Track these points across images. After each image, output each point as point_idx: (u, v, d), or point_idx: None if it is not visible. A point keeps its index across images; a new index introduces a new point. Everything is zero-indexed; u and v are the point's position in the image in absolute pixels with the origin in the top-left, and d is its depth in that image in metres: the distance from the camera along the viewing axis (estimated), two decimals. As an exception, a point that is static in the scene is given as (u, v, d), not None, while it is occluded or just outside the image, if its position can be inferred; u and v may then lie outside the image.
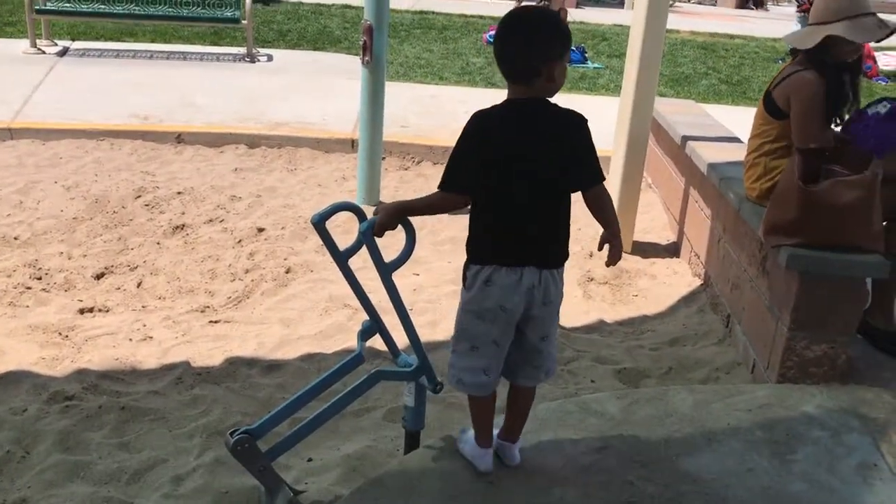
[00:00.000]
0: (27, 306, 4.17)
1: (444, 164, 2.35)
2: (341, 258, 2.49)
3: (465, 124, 2.31)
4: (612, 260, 2.48)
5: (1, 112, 7.33)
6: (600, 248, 2.50)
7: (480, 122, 2.30)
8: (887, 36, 3.49)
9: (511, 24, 2.32)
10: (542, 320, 2.41)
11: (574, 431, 2.90)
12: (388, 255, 2.49)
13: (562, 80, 2.32)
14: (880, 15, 3.57)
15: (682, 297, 4.61)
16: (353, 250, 2.49)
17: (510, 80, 2.32)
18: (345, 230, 4.74)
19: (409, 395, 2.68)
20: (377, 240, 2.43)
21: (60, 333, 3.89)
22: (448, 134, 7.17)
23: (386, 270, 2.48)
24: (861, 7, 3.49)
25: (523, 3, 12.52)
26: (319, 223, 2.41)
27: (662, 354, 3.95)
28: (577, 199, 4.90)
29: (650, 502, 2.55)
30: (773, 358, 3.45)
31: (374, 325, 2.64)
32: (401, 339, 2.70)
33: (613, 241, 2.47)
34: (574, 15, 16.61)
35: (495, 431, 2.66)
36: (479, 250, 2.37)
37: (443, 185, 2.34)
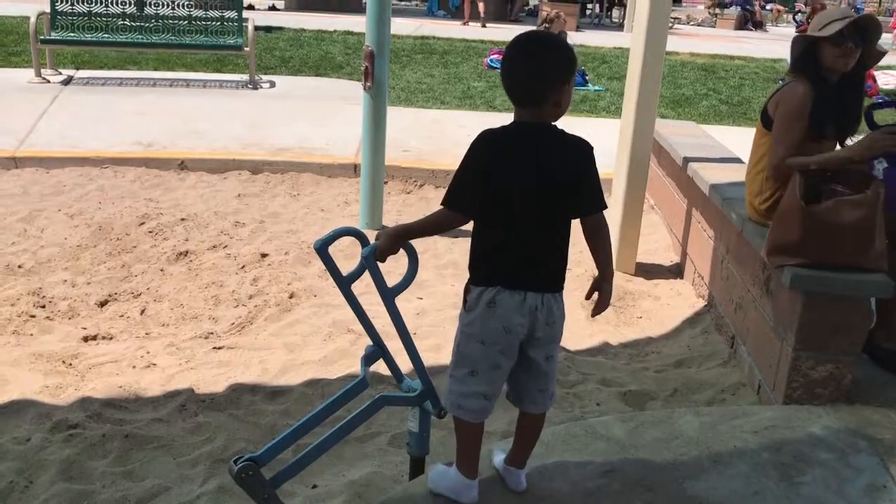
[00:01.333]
0: (31, 335, 4.17)
1: (448, 182, 2.35)
2: (344, 283, 2.49)
3: (472, 142, 2.31)
4: (600, 308, 2.46)
5: (6, 141, 7.38)
6: (589, 296, 2.48)
7: (488, 144, 2.30)
8: (847, 28, 3.45)
9: (521, 48, 2.32)
10: (546, 341, 2.40)
11: (580, 455, 2.89)
12: (392, 280, 2.49)
13: (567, 104, 2.33)
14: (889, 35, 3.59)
15: (687, 319, 4.60)
16: (355, 275, 2.49)
17: (518, 104, 2.33)
18: (347, 255, 4.75)
19: (414, 421, 2.67)
20: (380, 265, 2.43)
21: (64, 362, 3.89)
22: (450, 158, 7.20)
23: (389, 295, 2.48)
24: (841, 15, 3.51)
25: (528, 29, 12.61)
26: (322, 249, 2.42)
27: (668, 376, 3.93)
28: (578, 221, 4.83)
29: (657, 526, 2.53)
30: (778, 379, 3.43)
31: (378, 350, 2.64)
32: (405, 364, 2.69)
33: (605, 287, 2.45)
34: (574, 38, 16.69)
35: (501, 457, 2.65)
36: (481, 271, 2.36)
37: (446, 203, 2.33)
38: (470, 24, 19.92)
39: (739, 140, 6.57)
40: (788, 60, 3.84)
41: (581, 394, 3.73)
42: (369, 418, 2.66)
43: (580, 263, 5.41)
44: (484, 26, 19.24)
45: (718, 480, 2.79)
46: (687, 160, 5.25)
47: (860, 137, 3.63)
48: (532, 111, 2.31)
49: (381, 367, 2.76)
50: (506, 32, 17.75)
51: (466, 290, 2.39)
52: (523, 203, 2.30)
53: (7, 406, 3.45)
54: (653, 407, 3.61)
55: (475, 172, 2.29)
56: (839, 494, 2.74)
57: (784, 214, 3.34)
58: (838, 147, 3.69)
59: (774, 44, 20.05)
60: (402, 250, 2.45)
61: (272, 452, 2.48)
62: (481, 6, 20.09)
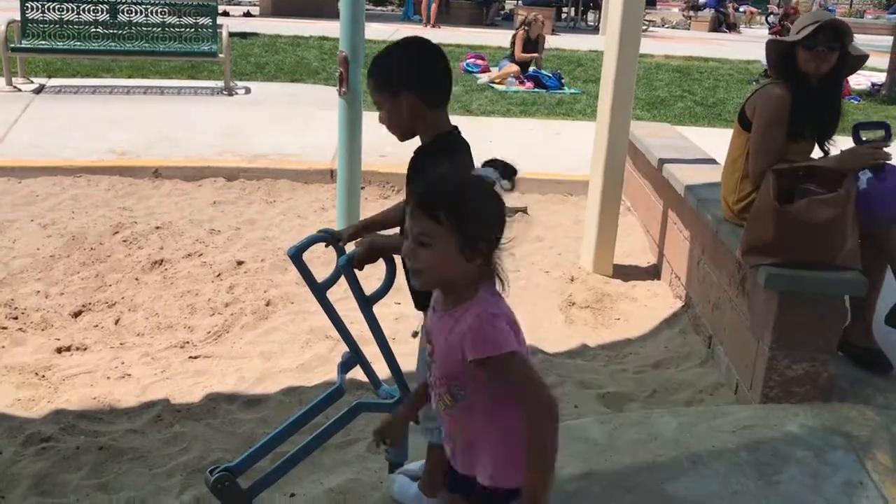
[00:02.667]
0: (3, 346, 4.11)
1: None
2: (319, 290, 2.47)
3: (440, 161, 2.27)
4: None
5: (-24, 151, 7.28)
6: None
7: (458, 160, 2.30)
8: (819, 32, 3.49)
9: (431, 49, 2.34)
10: None
11: (559, 458, 2.87)
12: (369, 286, 2.48)
13: None
14: (863, 36, 3.63)
15: (664, 320, 4.62)
16: (330, 282, 2.47)
17: (444, 106, 2.33)
18: (324, 261, 4.72)
19: (390, 428, 2.65)
20: (357, 271, 2.41)
21: (37, 374, 3.83)
22: (427, 162, 7.14)
23: (366, 303, 2.46)
24: (813, 19, 3.55)
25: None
26: (296, 256, 2.40)
27: (646, 377, 3.94)
28: (556, 225, 4.92)
29: (637, 528, 2.53)
30: (755, 378, 3.45)
31: (355, 357, 2.62)
32: (382, 370, 2.68)
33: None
34: (550, 41, 16.76)
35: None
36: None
37: None
38: (432, 26, 20.09)
39: (714, 141, 6.61)
40: (763, 62, 3.89)
41: (559, 396, 3.72)
42: (347, 425, 2.64)
43: (558, 266, 5.42)
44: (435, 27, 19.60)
45: (697, 480, 2.79)
46: (662, 161, 5.27)
47: (838, 141, 3.69)
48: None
49: (358, 373, 2.74)
50: (482, 37, 17.79)
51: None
52: None
53: (-22, 420, 3.39)
54: (631, 408, 3.62)
55: None
56: (816, 492, 2.75)
57: (758, 214, 3.36)
58: (816, 147, 3.73)
59: (748, 45, 20.23)
60: (380, 258, 2.44)
61: (249, 461, 2.46)
62: (434, 6, 20.31)
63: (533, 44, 12.39)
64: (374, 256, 2.39)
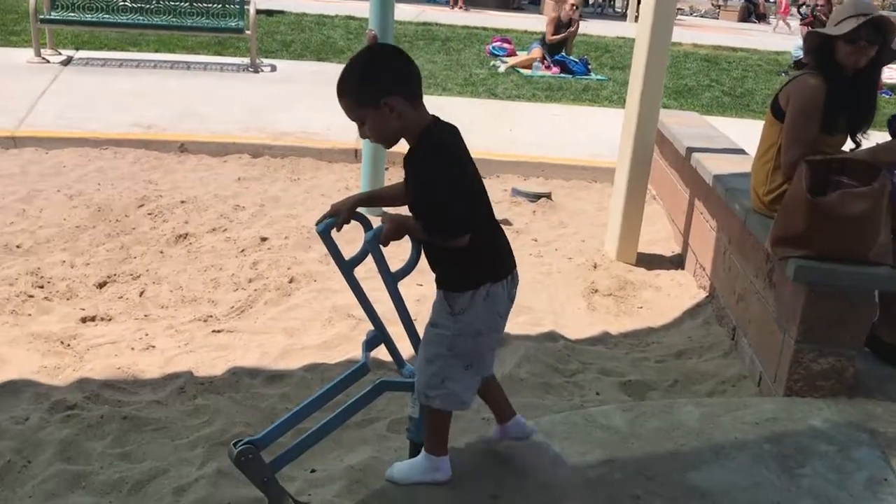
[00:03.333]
0: (29, 315, 4.15)
1: (441, 209, 2.27)
2: (346, 267, 2.47)
3: (438, 160, 2.27)
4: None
5: (5, 121, 7.33)
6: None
7: (455, 154, 2.32)
8: (863, 27, 3.43)
9: (394, 50, 2.38)
10: (507, 315, 2.51)
11: (580, 444, 2.88)
12: (394, 264, 2.47)
13: None
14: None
15: (688, 310, 4.59)
16: (357, 259, 2.46)
17: (419, 99, 2.33)
18: (349, 240, 4.73)
19: (414, 406, 2.65)
20: (383, 249, 2.41)
21: (62, 342, 3.87)
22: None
23: (392, 280, 2.46)
24: (859, 9, 3.48)
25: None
26: (324, 232, 2.40)
27: (668, 367, 3.92)
28: (580, 211, 4.92)
29: (657, 516, 2.52)
30: (780, 371, 3.42)
31: (379, 335, 2.62)
32: (406, 350, 2.68)
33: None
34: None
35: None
36: (472, 275, 2.36)
37: (458, 234, 2.28)
38: (460, 8, 20.06)
39: (742, 132, 6.56)
40: (793, 53, 3.85)
41: (581, 383, 3.72)
42: (369, 403, 2.65)
43: (581, 253, 5.40)
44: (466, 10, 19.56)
45: (719, 471, 2.78)
46: (690, 150, 5.22)
47: (871, 136, 3.64)
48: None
49: (382, 352, 2.74)
50: (509, 20, 17.69)
51: (452, 298, 2.38)
52: (484, 193, 2.40)
53: (5, 386, 3.43)
54: (653, 397, 3.60)
55: (466, 186, 2.31)
56: (840, 487, 2.73)
57: (790, 205, 3.32)
58: (849, 141, 3.68)
59: (778, 36, 19.99)
60: (406, 237, 2.43)
61: (272, 436, 2.47)
62: None
63: (566, 26, 12.30)
64: (401, 234, 2.38)
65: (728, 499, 2.62)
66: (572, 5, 12.30)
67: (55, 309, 4.23)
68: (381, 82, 2.25)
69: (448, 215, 2.28)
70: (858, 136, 3.69)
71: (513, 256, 2.49)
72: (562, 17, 12.29)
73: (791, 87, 3.68)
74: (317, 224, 2.44)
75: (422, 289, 4.60)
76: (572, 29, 12.33)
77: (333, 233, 2.44)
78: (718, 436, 3.00)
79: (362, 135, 2.35)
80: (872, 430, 3.07)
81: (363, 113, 2.28)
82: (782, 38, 19.10)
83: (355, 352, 3.81)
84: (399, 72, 2.28)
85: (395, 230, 2.36)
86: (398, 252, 2.51)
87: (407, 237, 2.45)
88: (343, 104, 2.30)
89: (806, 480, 2.76)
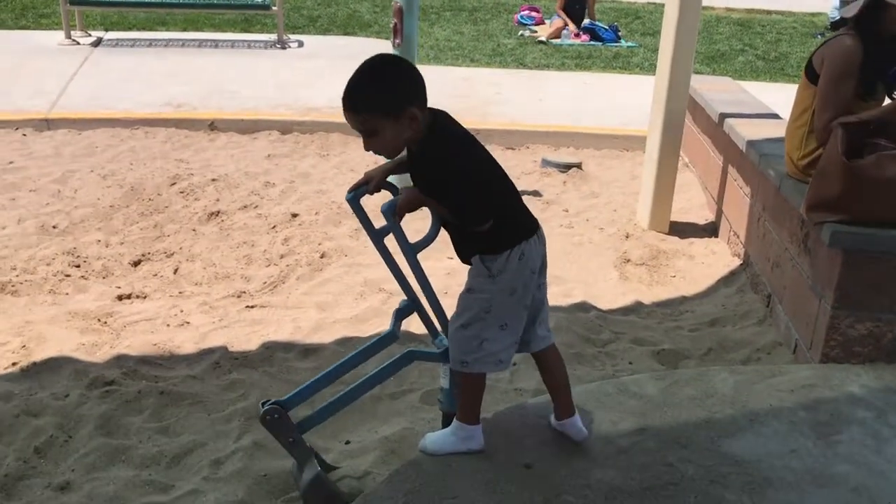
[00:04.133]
0: (67, 293, 4.22)
1: (465, 205, 2.29)
2: (377, 236, 2.47)
3: (450, 153, 2.30)
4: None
5: (38, 103, 7.42)
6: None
7: (463, 142, 2.35)
8: None
9: (400, 60, 2.40)
10: (543, 269, 2.51)
11: (613, 413, 2.87)
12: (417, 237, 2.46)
13: None
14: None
15: (722, 278, 4.54)
16: (388, 230, 2.46)
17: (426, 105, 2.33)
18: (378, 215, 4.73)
19: (445, 377, 2.66)
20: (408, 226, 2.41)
21: (99, 320, 3.93)
22: (478, 116, 7.13)
23: (411, 250, 2.45)
24: None
25: None
26: (353, 200, 2.39)
27: (702, 335, 3.89)
28: (612, 181, 4.84)
29: (690, 484, 2.51)
30: (815, 337, 3.38)
31: (412, 305, 2.61)
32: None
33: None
34: (606, -6, 16.41)
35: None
36: (503, 240, 2.37)
37: (481, 220, 2.31)
38: None
39: (777, 96, 6.44)
40: (829, 14, 3.75)
41: (613, 352, 3.70)
42: (397, 372, 2.66)
43: (613, 223, 5.35)
44: None
45: (754, 439, 2.76)
46: (723, 116, 5.14)
47: None
48: None
49: (413, 325, 2.75)
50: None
51: (486, 261, 2.38)
52: (494, 164, 2.42)
53: (45, 363, 3.50)
54: (687, 366, 3.58)
55: (483, 176, 2.33)
56: (878, 453, 2.70)
57: (825, 169, 3.26)
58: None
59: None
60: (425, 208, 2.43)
61: (298, 398, 2.51)
62: None
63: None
64: (416, 206, 2.38)
65: (763, 466, 2.60)
66: None
67: (91, 287, 4.30)
68: (408, 92, 2.25)
69: (469, 212, 2.31)
70: None
71: (531, 214, 2.50)
72: None
73: (826, 48, 3.59)
74: (348, 192, 2.43)
75: (451, 262, 4.60)
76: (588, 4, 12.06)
77: (364, 204, 2.44)
78: (753, 403, 2.97)
79: (367, 147, 2.31)
80: (911, 395, 3.03)
81: (380, 124, 2.24)
82: (818, -1, 18.64)
83: (387, 325, 3.81)
84: (417, 80, 2.28)
85: (410, 202, 2.37)
86: (425, 227, 2.49)
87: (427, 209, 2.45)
88: (357, 117, 2.24)
89: (842, 447, 2.73)
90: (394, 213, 2.37)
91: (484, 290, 2.41)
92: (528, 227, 2.44)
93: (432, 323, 2.64)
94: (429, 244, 2.48)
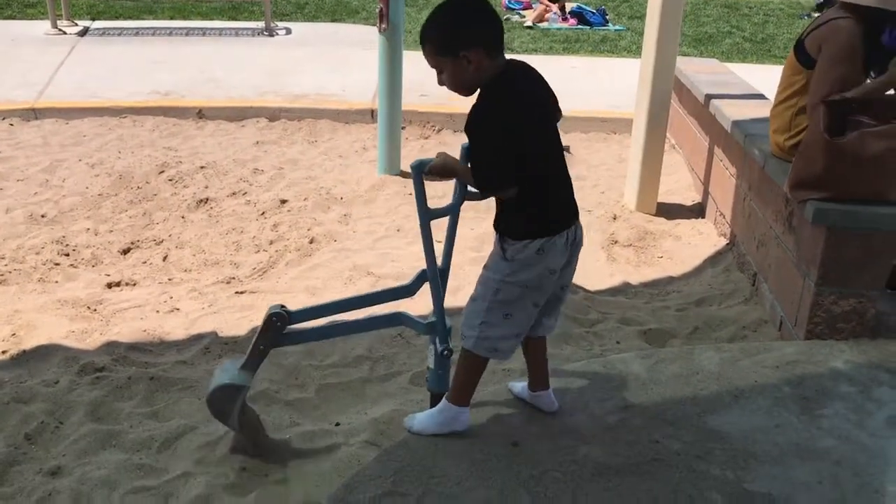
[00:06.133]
0: (56, 282, 4.22)
1: (485, 165, 2.30)
2: (424, 213, 2.46)
3: (483, 117, 2.27)
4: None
5: (25, 93, 7.39)
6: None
7: (505, 107, 2.29)
8: None
9: (481, 1, 2.35)
10: (569, 271, 2.51)
11: (600, 391, 2.90)
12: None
13: None
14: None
15: (708, 258, 4.57)
16: (439, 213, 2.51)
17: (500, 51, 2.33)
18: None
19: (431, 357, 2.68)
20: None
21: (89, 307, 3.94)
22: (468, 101, 7.08)
23: (425, 215, 2.47)
24: None
25: None
26: (416, 167, 2.40)
27: (688, 314, 3.92)
28: (599, 163, 4.85)
29: (676, 460, 2.54)
30: (800, 314, 3.41)
31: (433, 278, 2.59)
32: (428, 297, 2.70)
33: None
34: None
35: (520, 386, 2.76)
36: (529, 226, 2.37)
37: (489, 187, 2.32)
38: None
39: (763, 77, 6.45)
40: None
41: (601, 332, 3.73)
42: (383, 327, 2.73)
43: (601, 205, 5.38)
44: None
45: (739, 415, 2.79)
46: (709, 97, 5.16)
47: None
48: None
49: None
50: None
51: (506, 242, 2.39)
52: (551, 144, 2.40)
53: (35, 350, 3.51)
54: (673, 345, 3.61)
55: (513, 143, 2.28)
56: (860, 426, 2.74)
57: (808, 147, 3.28)
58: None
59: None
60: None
61: (304, 315, 2.62)
62: None
63: None
64: (447, 174, 2.41)
65: (748, 441, 2.64)
66: None
67: (81, 275, 4.30)
68: (462, 34, 2.27)
69: (480, 171, 2.32)
70: None
71: (574, 211, 2.46)
72: None
73: (823, 31, 3.54)
74: (415, 160, 2.45)
75: (439, 245, 4.62)
76: None
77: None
78: (738, 380, 3.00)
79: (440, 82, 2.36)
80: (893, 370, 3.07)
81: (442, 61, 2.30)
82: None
83: (375, 309, 3.84)
84: (481, 25, 2.29)
85: (440, 167, 2.39)
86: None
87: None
88: (425, 51, 2.32)
89: (826, 421, 2.77)
90: (423, 170, 2.38)
91: (496, 271, 2.42)
92: (559, 225, 2.39)
93: (439, 300, 2.63)
94: (444, 215, 2.50)
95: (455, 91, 2.38)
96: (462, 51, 2.25)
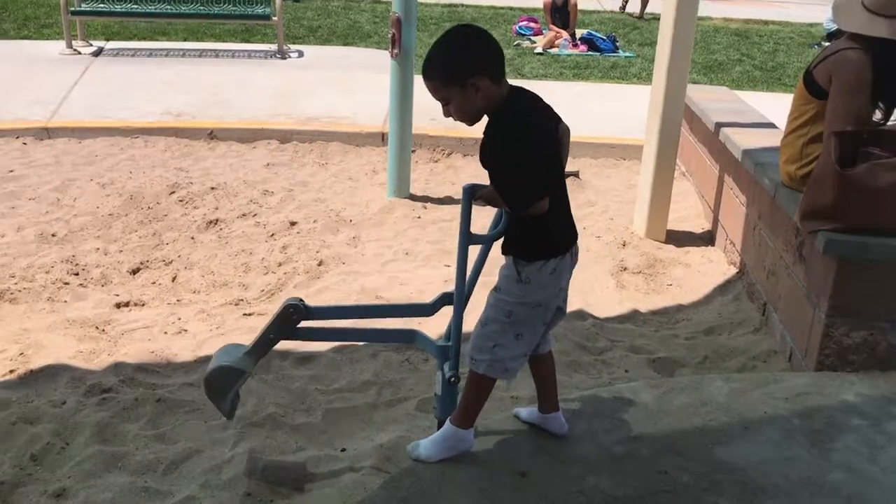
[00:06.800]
0: (65, 301, 4.23)
1: (513, 183, 2.32)
2: (465, 237, 2.48)
3: (521, 132, 2.30)
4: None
5: (38, 112, 7.46)
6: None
7: (535, 124, 2.35)
8: None
9: (480, 31, 2.41)
10: (567, 286, 2.56)
11: (608, 421, 2.88)
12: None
13: None
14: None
15: (718, 286, 4.55)
16: (480, 239, 2.52)
17: (503, 77, 2.37)
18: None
19: (439, 384, 2.67)
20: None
21: (97, 327, 3.94)
22: (478, 125, 7.11)
23: (465, 239, 2.49)
24: None
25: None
26: (468, 189, 2.43)
27: (697, 343, 3.90)
28: (609, 189, 4.85)
29: (685, 491, 2.52)
30: (810, 346, 3.39)
31: (455, 297, 2.59)
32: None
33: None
34: (605, 4, 16.48)
35: (528, 412, 2.77)
36: (542, 247, 2.42)
37: (531, 198, 2.32)
38: None
39: (774, 106, 6.46)
40: (825, 25, 3.75)
41: (609, 360, 3.71)
42: (397, 342, 2.74)
43: (610, 231, 5.37)
44: None
45: (748, 446, 2.77)
46: (719, 125, 5.16)
47: None
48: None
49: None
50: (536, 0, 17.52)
51: (521, 265, 2.41)
52: (561, 166, 2.44)
53: (42, 370, 3.51)
54: (682, 374, 3.59)
55: (544, 159, 2.34)
56: (871, 461, 2.71)
57: (818, 178, 3.27)
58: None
59: (811, 8, 19.58)
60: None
61: (322, 313, 2.63)
62: None
63: (562, 10, 12.11)
64: (494, 202, 2.43)
65: (757, 473, 2.61)
66: None
67: (90, 295, 4.31)
68: (468, 63, 2.30)
69: (510, 190, 2.34)
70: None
71: (576, 231, 2.54)
72: (556, 0, 12.12)
73: (832, 63, 3.54)
74: (467, 184, 2.50)
75: (449, 270, 4.62)
76: (569, 24, 12.10)
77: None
78: (747, 411, 2.98)
79: (446, 114, 2.39)
80: (905, 403, 3.04)
81: (450, 93, 2.33)
82: (815, 9, 18.69)
83: (390, 323, 3.84)
84: (485, 53, 2.33)
85: (490, 194, 2.42)
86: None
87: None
88: (429, 85, 2.35)
89: (837, 455, 2.74)
90: (472, 195, 2.41)
91: (510, 294, 2.44)
92: (567, 244, 2.47)
93: (457, 326, 2.62)
94: (487, 241, 2.54)
95: (462, 120, 2.40)
96: (469, 79, 2.28)
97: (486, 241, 2.58)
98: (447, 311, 2.69)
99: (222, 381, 2.58)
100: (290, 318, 2.54)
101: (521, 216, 2.38)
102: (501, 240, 2.50)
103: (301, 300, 2.57)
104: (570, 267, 2.51)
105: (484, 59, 2.31)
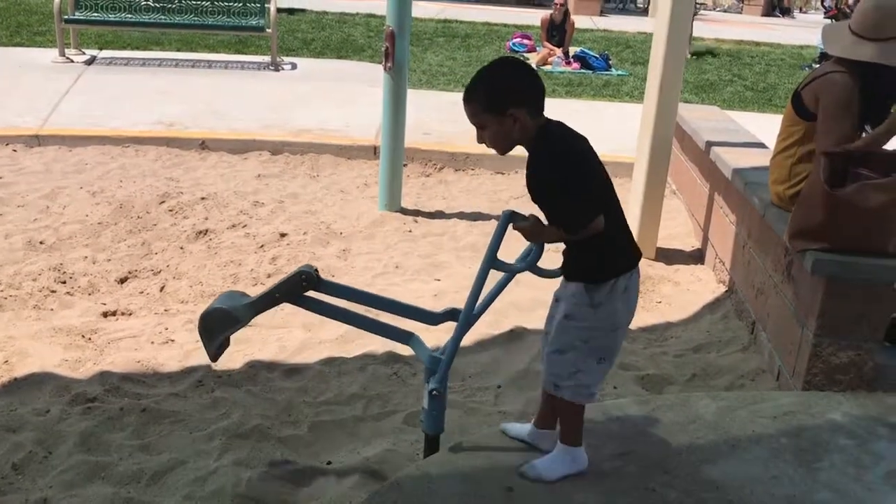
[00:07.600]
0: (51, 309, 4.20)
1: (567, 205, 2.32)
2: (490, 261, 2.47)
3: (563, 158, 2.32)
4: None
5: (29, 119, 7.43)
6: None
7: (581, 150, 2.38)
8: None
9: (524, 64, 2.46)
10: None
11: (595, 437, 2.86)
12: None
13: None
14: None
15: (707, 304, 4.56)
16: (506, 267, 2.51)
17: (542, 112, 2.39)
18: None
19: (425, 398, 2.66)
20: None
21: (83, 336, 3.92)
22: (469, 140, 7.13)
23: (488, 262, 2.47)
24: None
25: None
26: (507, 215, 2.44)
27: (686, 361, 3.90)
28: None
29: (672, 509, 2.51)
30: (798, 365, 3.39)
31: (465, 314, 2.57)
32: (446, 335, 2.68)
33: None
34: (598, 22, 16.60)
35: (520, 428, 2.77)
36: (610, 264, 2.40)
37: (588, 217, 2.32)
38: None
39: (764, 126, 6.50)
40: (819, 46, 3.79)
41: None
42: (393, 339, 2.71)
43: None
44: None
45: (736, 465, 2.76)
46: (710, 144, 5.19)
47: None
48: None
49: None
50: (530, 16, 17.63)
51: (589, 290, 2.39)
52: (609, 182, 2.43)
53: (27, 378, 3.48)
54: (670, 391, 3.58)
55: (592, 176, 2.36)
56: (858, 480, 2.71)
57: (807, 198, 3.29)
58: None
59: (802, 30, 19.78)
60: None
61: (331, 288, 2.63)
62: None
63: (559, 28, 12.20)
64: (533, 237, 2.44)
65: (744, 492, 2.61)
66: (558, 5, 12.26)
67: (77, 303, 4.28)
68: (511, 94, 2.32)
69: (567, 214, 2.34)
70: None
71: (638, 248, 2.52)
72: (554, 18, 12.23)
73: (818, 85, 3.57)
74: (508, 208, 2.51)
75: (439, 284, 4.61)
76: (564, 42, 12.21)
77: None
78: (735, 429, 2.98)
79: (479, 140, 2.40)
80: (892, 423, 3.04)
81: (487, 119, 2.34)
82: (806, 32, 18.86)
83: (372, 346, 3.83)
84: (529, 86, 2.35)
85: (530, 231, 2.42)
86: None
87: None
88: (468, 108, 2.37)
89: (823, 474, 2.74)
90: (510, 221, 2.43)
91: (584, 319, 2.42)
92: (633, 259, 2.45)
93: (456, 339, 2.61)
94: (513, 270, 2.52)
95: (494, 148, 2.41)
96: (509, 109, 2.30)
97: (508, 272, 2.55)
98: (449, 327, 2.67)
99: (216, 324, 2.59)
100: (300, 284, 2.54)
101: (580, 239, 2.36)
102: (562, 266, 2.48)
103: (315, 269, 2.56)
104: (638, 285, 2.48)
105: (526, 92, 2.34)
